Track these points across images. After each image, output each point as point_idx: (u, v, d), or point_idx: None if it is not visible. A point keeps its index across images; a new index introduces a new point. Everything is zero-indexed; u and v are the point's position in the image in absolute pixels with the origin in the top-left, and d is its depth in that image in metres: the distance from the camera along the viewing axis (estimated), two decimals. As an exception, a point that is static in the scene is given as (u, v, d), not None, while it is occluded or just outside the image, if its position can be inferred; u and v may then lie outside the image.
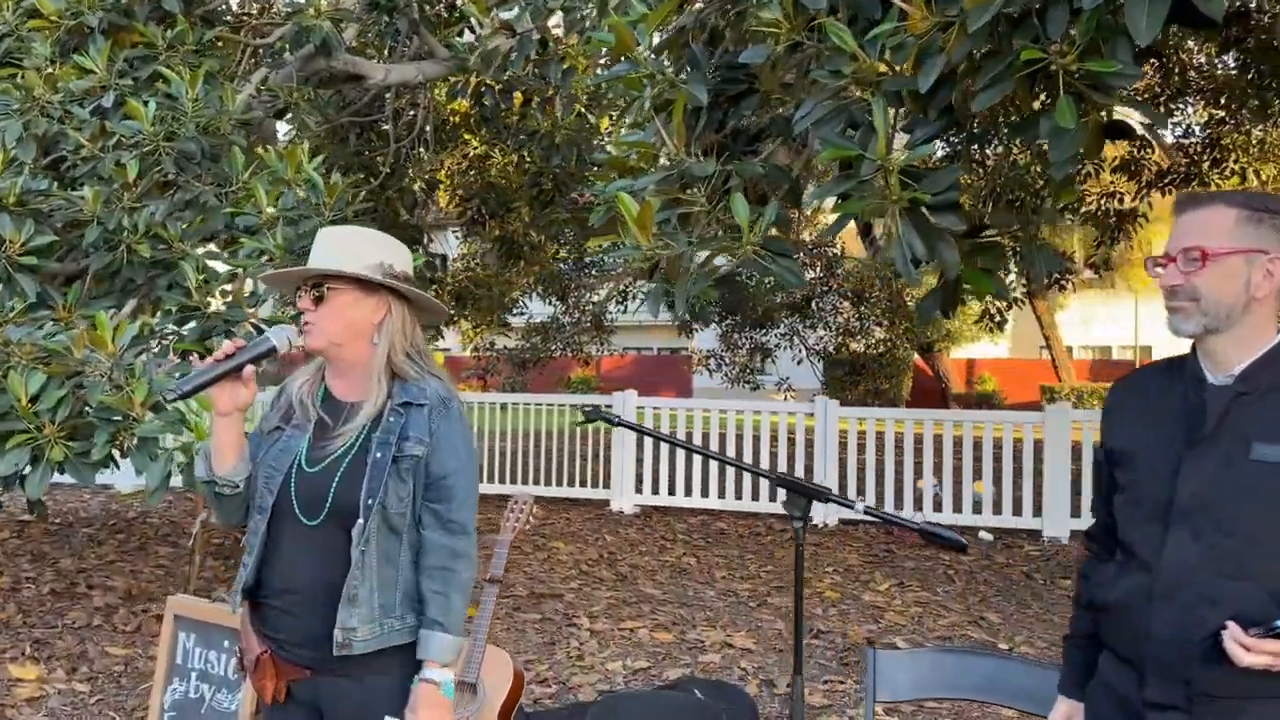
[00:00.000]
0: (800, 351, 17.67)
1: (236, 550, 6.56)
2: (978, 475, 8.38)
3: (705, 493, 8.78)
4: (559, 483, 9.35)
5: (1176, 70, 11.67)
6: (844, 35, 3.18)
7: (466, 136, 10.71)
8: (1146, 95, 12.42)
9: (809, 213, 18.08)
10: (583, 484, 9.28)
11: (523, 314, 16.73)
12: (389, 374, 2.08)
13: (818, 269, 16.96)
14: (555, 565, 6.87)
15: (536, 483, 9.38)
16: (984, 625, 5.56)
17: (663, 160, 4.27)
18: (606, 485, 9.11)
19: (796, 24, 3.42)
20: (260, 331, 5.23)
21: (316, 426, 2.08)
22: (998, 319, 13.84)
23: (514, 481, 9.46)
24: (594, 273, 16.93)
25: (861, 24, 3.37)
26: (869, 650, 2.50)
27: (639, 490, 8.95)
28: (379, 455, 1.99)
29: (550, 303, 16.42)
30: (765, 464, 8.60)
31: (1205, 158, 12.77)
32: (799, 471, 8.59)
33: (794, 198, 4.21)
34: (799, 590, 1.94)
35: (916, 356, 20.21)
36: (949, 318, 3.94)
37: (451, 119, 10.69)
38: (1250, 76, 10.88)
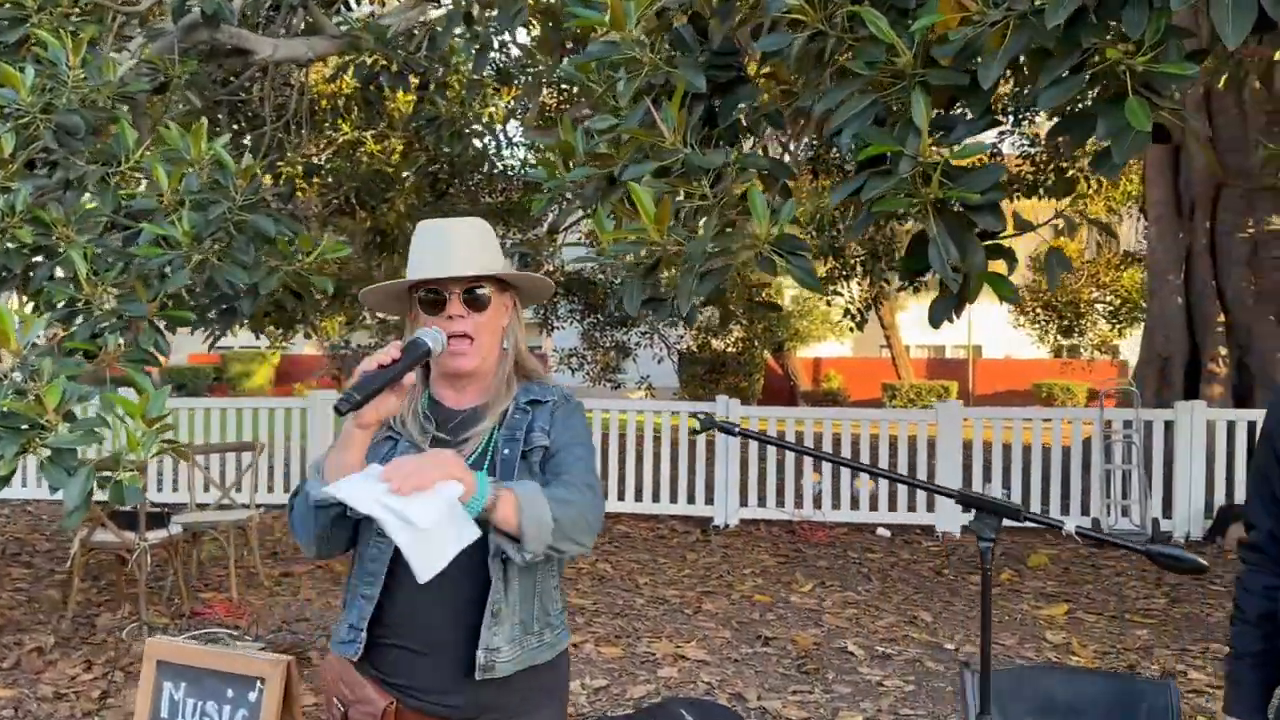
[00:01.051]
0: (660, 350, 17.68)
1: (114, 570, 5.90)
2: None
3: (603, 494, 8.53)
4: (447, 488, 8.92)
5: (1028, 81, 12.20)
6: (881, 24, 3.05)
7: (337, 121, 10.11)
8: (997, 104, 12.99)
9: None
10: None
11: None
12: (515, 376, 1.91)
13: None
14: (467, 577, 6.50)
15: (423, 488, 8.90)
16: (921, 625, 5.58)
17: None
18: (499, 490, 8.73)
19: (821, 12, 3.26)
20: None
21: (434, 439, 1.82)
22: (858, 319, 14.20)
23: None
24: (454, 268, 16.41)
25: (891, 15, 3.25)
26: (965, 672, 2.36)
27: (534, 494, 8.62)
28: (506, 452, 1.80)
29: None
30: (667, 467, 8.45)
31: (1049, 167, 13.44)
32: (700, 474, 8.48)
33: (786, 193, 4.06)
34: (986, 622, 1.76)
35: (768, 355, 20.57)
36: (955, 321, 3.88)
37: (321, 103, 10.07)
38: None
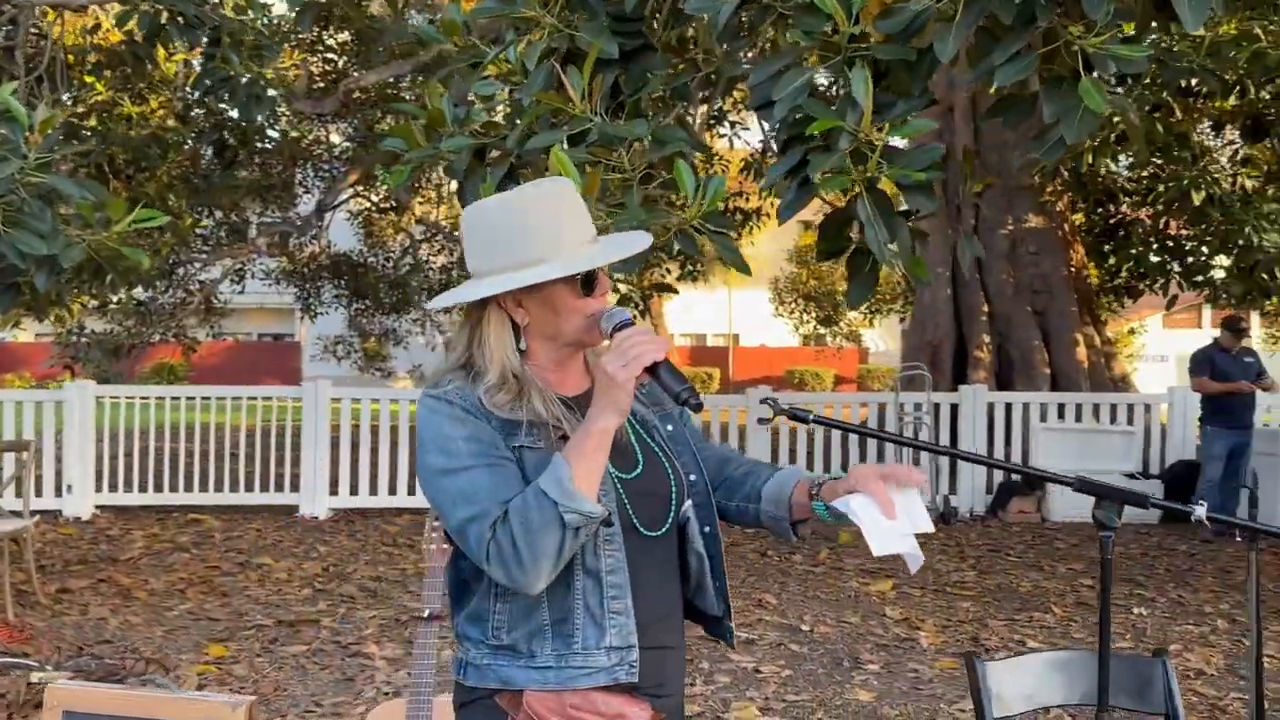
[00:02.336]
0: (435, 337, 17.11)
1: None
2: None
3: (412, 490, 8.10)
4: (233, 488, 8.15)
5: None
6: (822, -7, 2.95)
7: (89, 79, 8.98)
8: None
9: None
10: (263, 488, 8.15)
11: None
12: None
13: (456, 253, 16.47)
14: (280, 585, 5.93)
15: (204, 489, 8.11)
16: (769, 607, 5.61)
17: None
18: (294, 489, 8.08)
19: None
20: None
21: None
22: (641, 307, 14.31)
23: (178, 489, 8.11)
24: (205, 247, 15.11)
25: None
26: (976, 662, 2.30)
27: (334, 492, 8.05)
28: (670, 429, 1.71)
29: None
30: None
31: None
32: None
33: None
34: (1105, 614, 1.67)
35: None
36: (870, 299, 3.84)
37: (68, 58, 8.92)
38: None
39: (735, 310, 24.69)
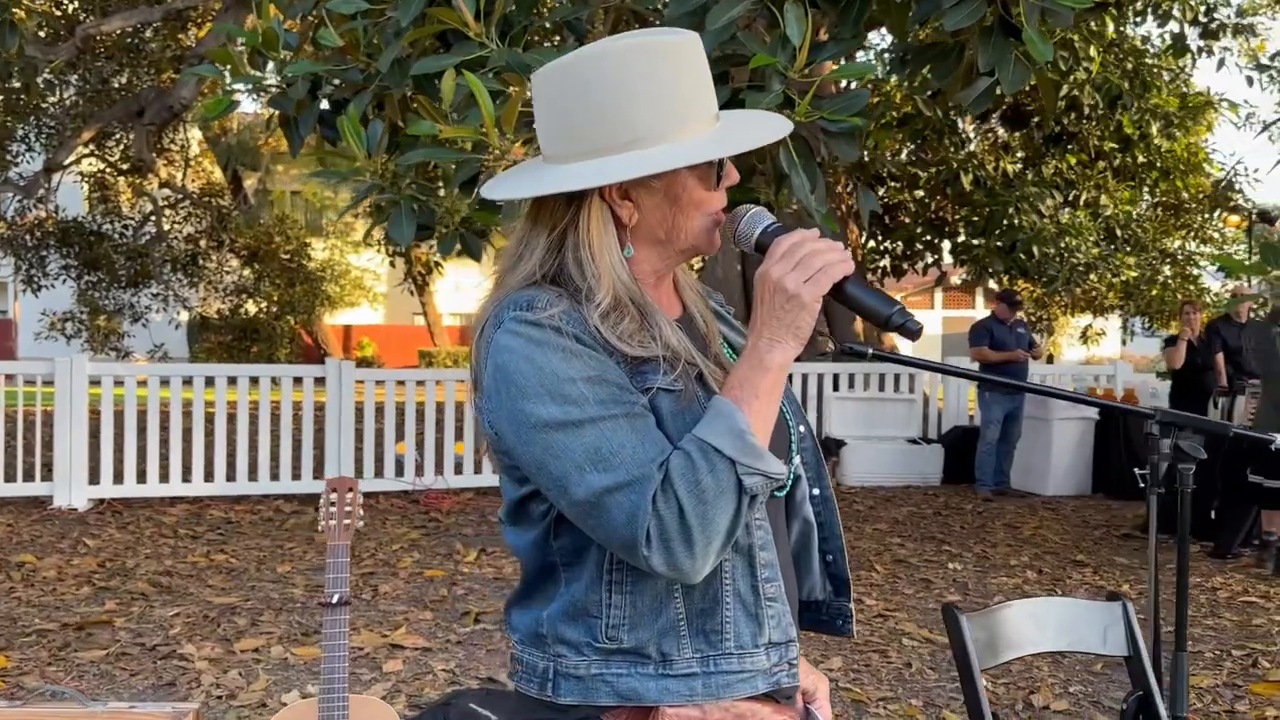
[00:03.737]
0: (179, 314, 15.68)
1: None
2: (459, 436, 8.11)
3: (187, 477, 7.31)
4: (-33, 478, 7.03)
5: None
6: (755, -79, 2.80)
7: None
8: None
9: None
10: (7, 478, 7.07)
11: None
12: None
13: (205, 221, 15.15)
14: (52, 585, 5.14)
15: (-68, 481, 6.96)
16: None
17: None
18: (46, 477, 7.07)
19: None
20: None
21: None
22: (420, 281, 13.76)
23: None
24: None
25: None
26: (956, 614, 2.22)
27: (95, 480, 7.12)
28: None
29: None
30: (266, 443, 7.43)
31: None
32: (306, 449, 7.57)
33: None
34: (1183, 549, 1.58)
35: (294, 321, 19.21)
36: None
37: None
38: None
39: (500, 289, 24.29)
